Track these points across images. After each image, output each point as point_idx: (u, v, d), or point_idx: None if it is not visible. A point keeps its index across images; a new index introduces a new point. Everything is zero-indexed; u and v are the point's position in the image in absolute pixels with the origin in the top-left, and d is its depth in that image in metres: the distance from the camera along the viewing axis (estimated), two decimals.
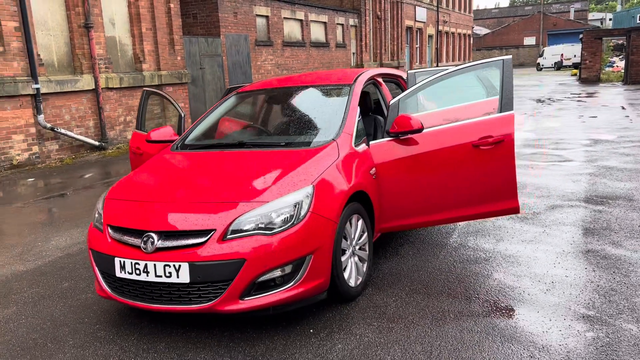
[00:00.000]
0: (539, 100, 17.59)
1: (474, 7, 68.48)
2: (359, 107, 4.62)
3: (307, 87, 4.65)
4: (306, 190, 3.22)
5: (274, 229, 3.06)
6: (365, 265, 3.76)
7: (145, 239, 3.07)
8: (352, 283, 3.55)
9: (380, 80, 4.87)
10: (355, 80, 4.42)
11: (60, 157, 10.72)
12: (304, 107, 4.57)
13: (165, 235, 3.07)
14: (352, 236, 3.58)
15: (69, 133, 10.65)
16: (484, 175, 4.00)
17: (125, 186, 3.64)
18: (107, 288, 3.28)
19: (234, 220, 3.03)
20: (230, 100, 4.82)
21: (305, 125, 4.28)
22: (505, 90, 4.04)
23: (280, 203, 3.13)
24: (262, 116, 4.90)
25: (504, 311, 3.29)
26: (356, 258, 3.65)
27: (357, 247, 3.67)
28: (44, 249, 5.15)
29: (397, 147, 3.99)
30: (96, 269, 3.34)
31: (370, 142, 4.04)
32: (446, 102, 4.63)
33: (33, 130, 10.03)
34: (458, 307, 3.38)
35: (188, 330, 3.30)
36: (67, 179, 8.74)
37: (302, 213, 3.14)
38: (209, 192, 3.30)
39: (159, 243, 3.04)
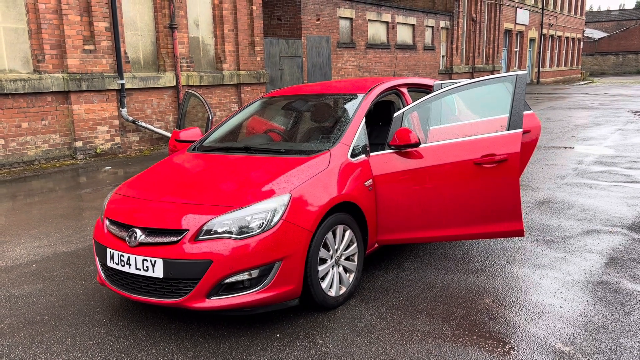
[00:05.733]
0: (637, 113, 16.21)
1: (591, 9, 63.93)
2: (378, 117, 4.61)
3: (323, 95, 4.72)
4: (282, 198, 3.32)
5: (246, 233, 3.19)
6: (352, 276, 3.78)
7: (130, 233, 3.33)
8: (332, 293, 3.59)
9: (403, 90, 4.83)
10: (369, 91, 4.42)
11: (140, 148, 11.57)
12: (314, 116, 4.66)
13: (148, 231, 3.30)
14: (336, 246, 3.62)
15: (148, 126, 11.46)
16: (486, 195, 3.87)
17: (132, 183, 3.93)
18: (103, 276, 3.59)
19: (206, 222, 3.20)
20: (253, 105, 5.01)
21: (310, 133, 4.37)
22: (515, 108, 3.88)
23: (255, 209, 3.25)
24: (277, 122, 5.05)
25: (474, 337, 3.18)
26: (340, 268, 3.69)
27: (343, 258, 3.70)
28: (89, 233, 5.65)
29: (397, 160, 3.96)
30: (96, 257, 3.66)
31: (371, 154, 4.04)
32: (472, 115, 4.50)
33: (116, 122, 10.92)
34: (430, 328, 3.31)
35: (171, 322, 3.53)
36: (142, 169, 9.41)
37: (275, 220, 3.24)
38: (196, 194, 3.49)
39: (142, 238, 3.28)
